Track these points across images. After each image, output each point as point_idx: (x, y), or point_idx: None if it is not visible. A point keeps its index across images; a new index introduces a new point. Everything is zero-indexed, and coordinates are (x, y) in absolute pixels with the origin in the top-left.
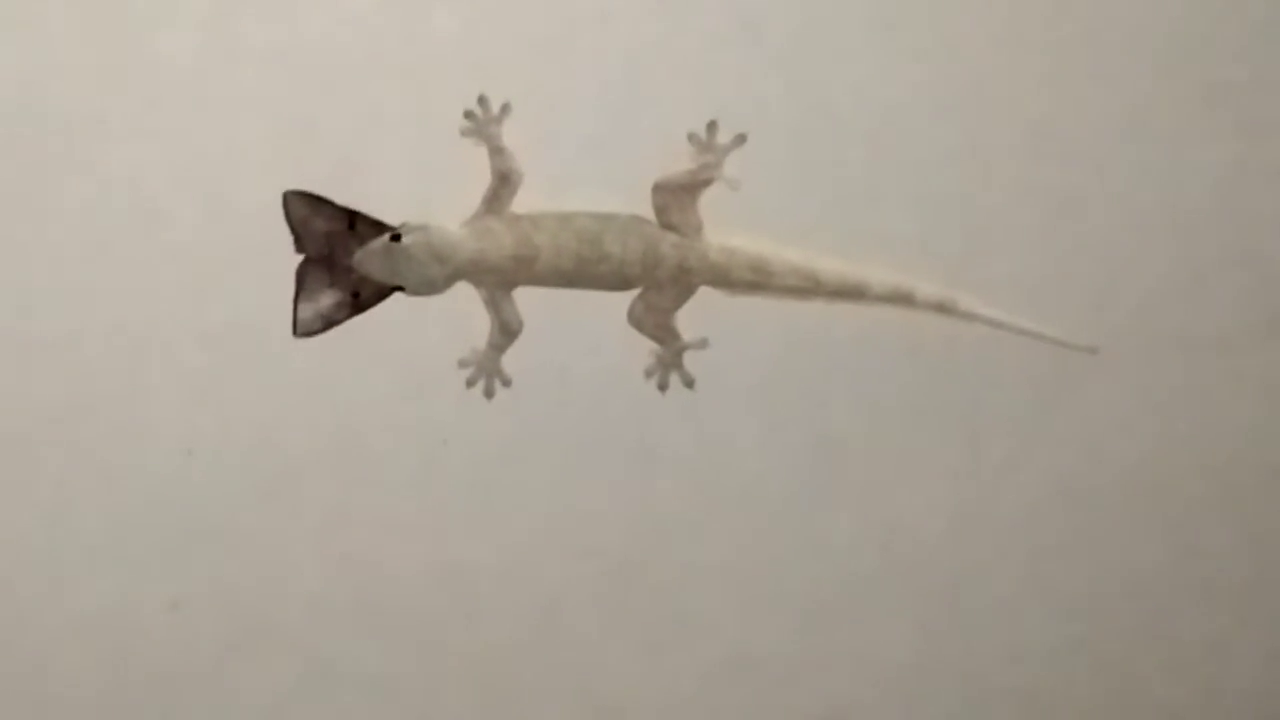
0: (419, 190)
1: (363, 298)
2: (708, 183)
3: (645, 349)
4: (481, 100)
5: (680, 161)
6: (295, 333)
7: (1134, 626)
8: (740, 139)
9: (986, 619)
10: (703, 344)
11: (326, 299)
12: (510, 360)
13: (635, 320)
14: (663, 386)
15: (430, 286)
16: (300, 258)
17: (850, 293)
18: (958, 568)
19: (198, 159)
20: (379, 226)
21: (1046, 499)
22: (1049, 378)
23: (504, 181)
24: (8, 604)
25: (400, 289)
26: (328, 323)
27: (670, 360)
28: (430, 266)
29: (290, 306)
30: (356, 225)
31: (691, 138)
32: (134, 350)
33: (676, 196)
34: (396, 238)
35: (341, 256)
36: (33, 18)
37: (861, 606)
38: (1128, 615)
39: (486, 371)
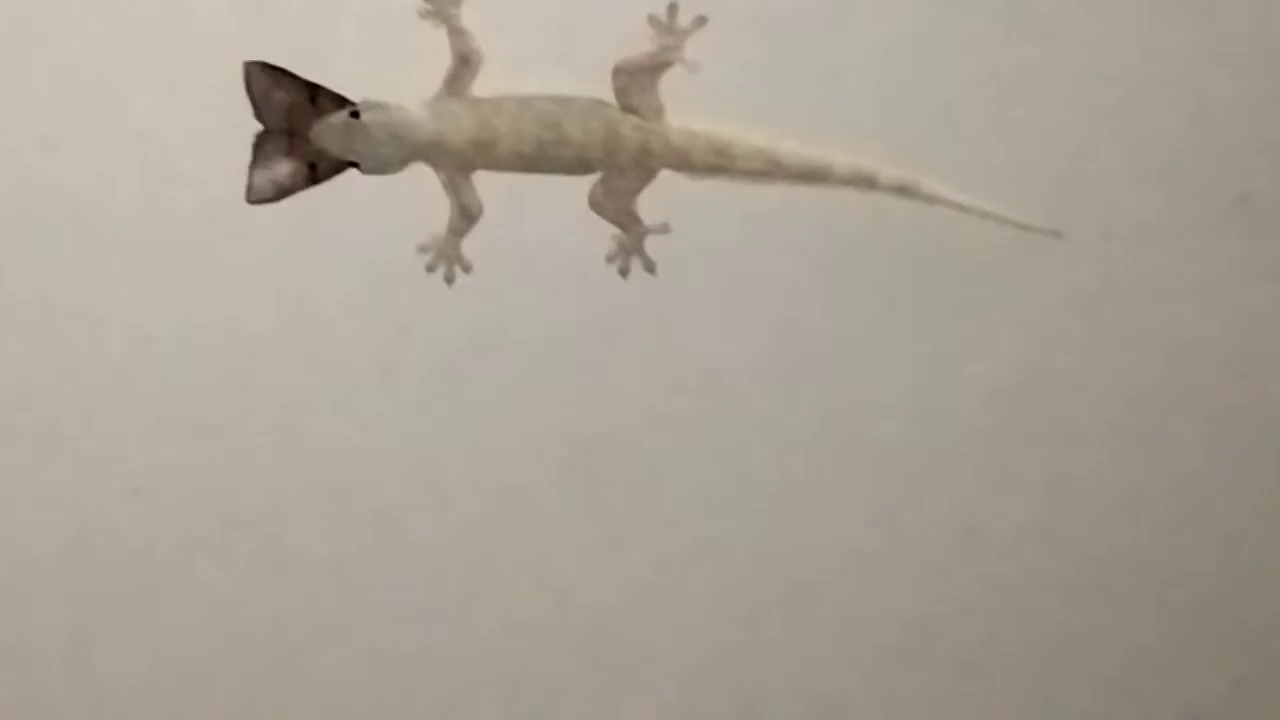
0: (378, 71)
1: (319, 170)
2: (668, 65)
3: (606, 233)
4: None
5: (640, 44)
6: (248, 198)
7: (1094, 512)
8: (700, 21)
9: (948, 503)
10: (664, 228)
11: (282, 168)
12: (470, 245)
13: (596, 204)
14: (624, 271)
15: (386, 165)
16: (259, 129)
17: (812, 175)
18: (921, 451)
19: (151, 38)
20: (341, 101)
21: (1010, 383)
22: (1013, 261)
23: (464, 63)
24: None
25: (355, 165)
26: (281, 191)
27: (631, 245)
28: (387, 145)
29: (244, 192)
30: (318, 99)
31: (651, 20)
32: (91, 236)
33: (637, 79)
34: (356, 114)
35: (300, 129)
36: None
37: (824, 491)
38: (1088, 501)
39: (446, 257)
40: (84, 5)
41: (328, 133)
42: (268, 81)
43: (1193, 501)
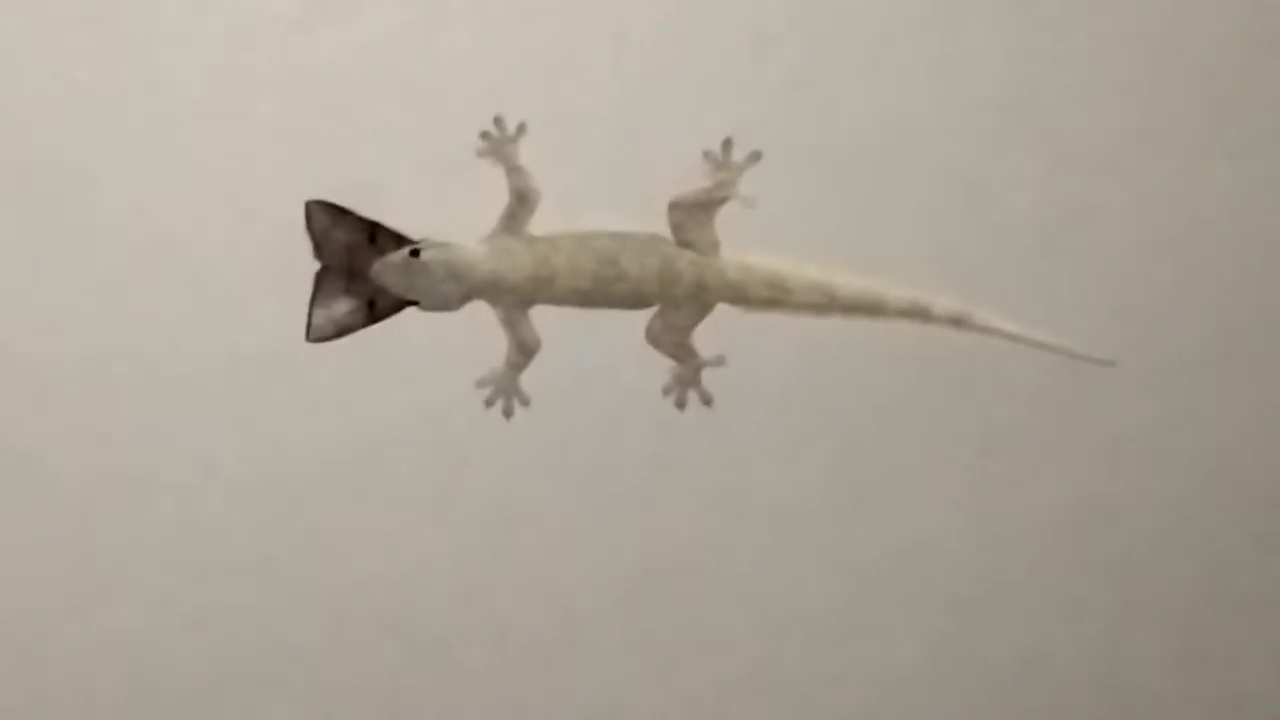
0: (437, 210)
1: (378, 308)
2: (723, 200)
3: (663, 367)
4: (497, 120)
5: (696, 179)
6: (308, 337)
7: (1150, 641)
8: (755, 156)
9: (1004, 633)
10: (720, 361)
11: (341, 306)
12: (528, 379)
13: (653, 338)
14: (681, 404)
15: (445, 303)
16: (319, 267)
17: (867, 308)
18: (975, 581)
19: (217, 182)
20: (400, 240)
21: (1064, 513)
22: (1067, 391)
23: (521, 201)
24: (35, 623)
25: (415, 303)
26: (341, 329)
27: (688, 378)
28: (446, 283)
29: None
30: (377, 238)
31: (707, 155)
32: (156, 372)
33: (692, 214)
34: (416, 253)
35: (360, 266)
36: (52, 45)
37: (879, 621)
38: (1144, 629)
39: (505, 391)
40: (146, 147)
41: (388, 271)
42: (328, 220)
43: (1250, 627)
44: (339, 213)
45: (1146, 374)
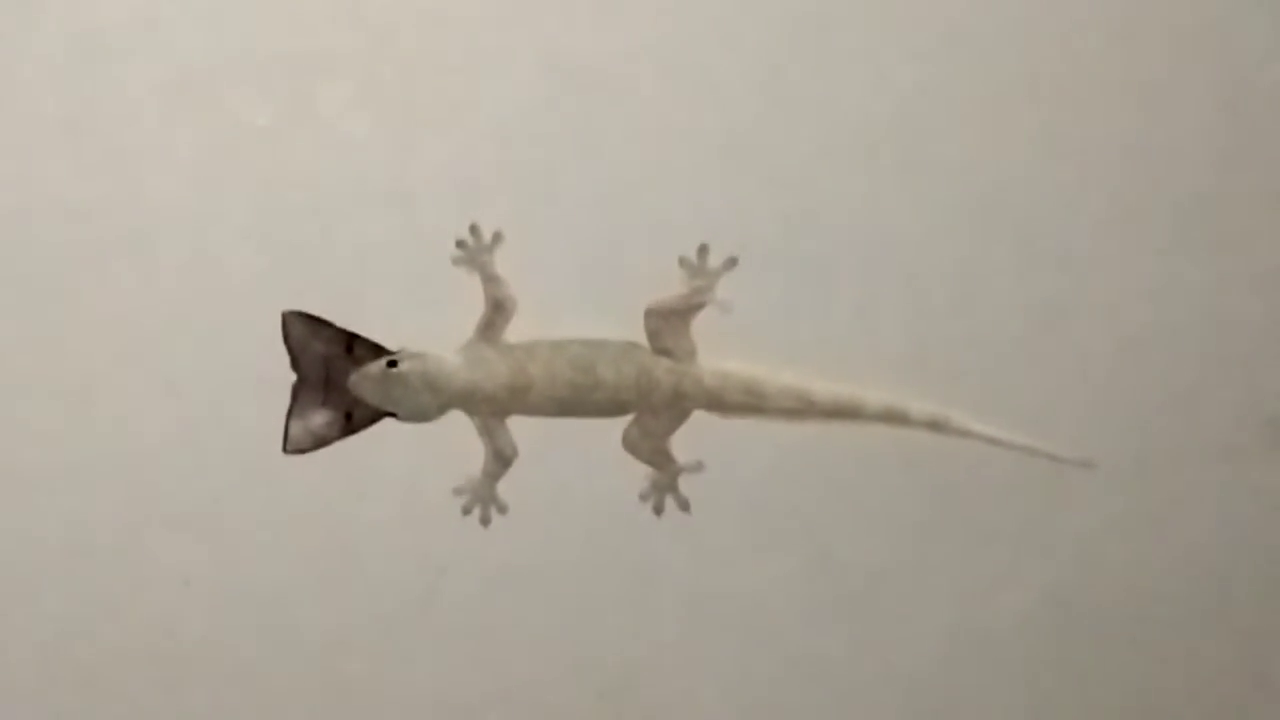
0: (412, 318)
1: (355, 419)
2: (700, 306)
3: (640, 473)
4: (473, 229)
5: (672, 286)
6: (285, 449)
7: None
8: (731, 262)
9: None
10: (697, 467)
11: (319, 418)
12: (505, 487)
13: (630, 445)
14: (658, 510)
15: (423, 414)
16: (295, 378)
17: (844, 413)
18: (955, 685)
19: (192, 292)
20: (377, 350)
21: (1044, 615)
22: (1045, 493)
23: (498, 309)
24: None
25: (393, 415)
26: (318, 441)
27: (665, 483)
28: (424, 395)
29: (281, 438)
30: (354, 348)
31: (683, 262)
32: (131, 483)
33: (669, 321)
34: (393, 364)
35: (337, 378)
36: (27, 157)
37: None
38: None
39: (482, 499)
40: (120, 257)
41: (365, 383)
42: (305, 331)
43: None
44: (316, 324)
45: (1126, 473)
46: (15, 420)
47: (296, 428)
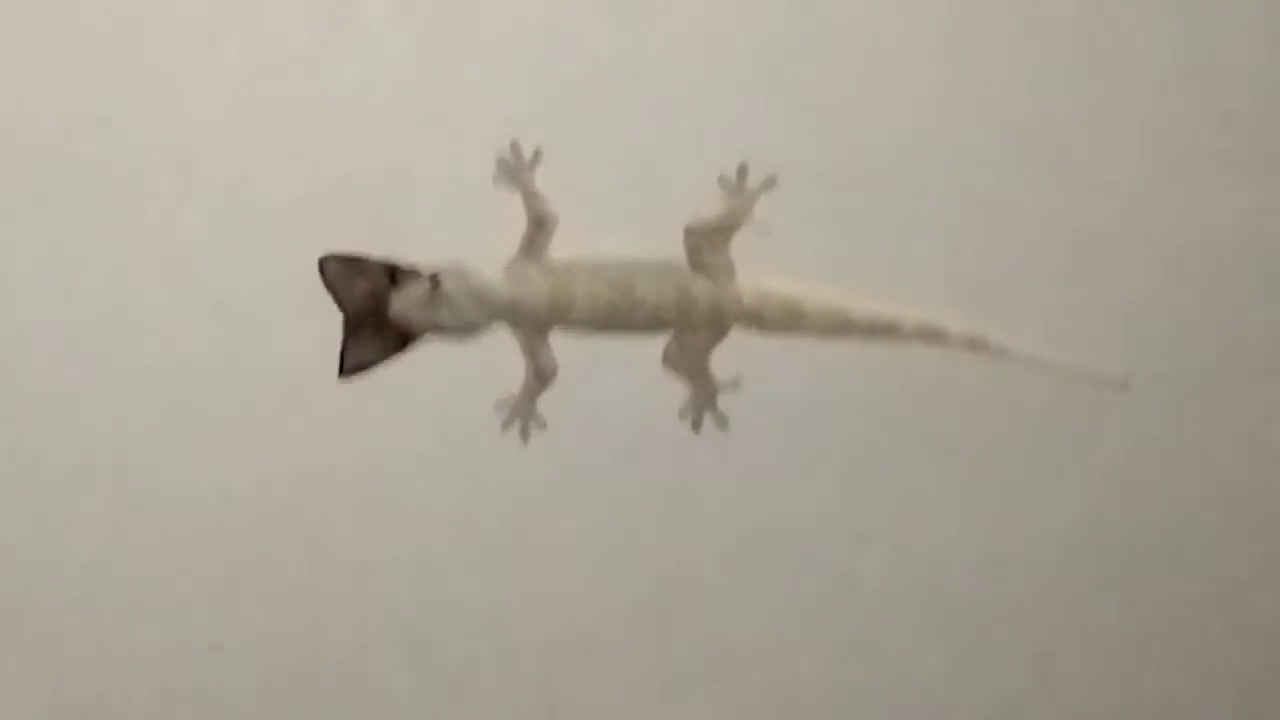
0: (455, 238)
1: (405, 340)
2: (739, 226)
3: (679, 390)
4: (513, 147)
5: (711, 205)
6: (340, 374)
7: (1169, 661)
8: (770, 182)
9: (1021, 654)
10: (736, 384)
11: (369, 342)
12: (545, 403)
13: (669, 362)
14: (696, 427)
15: (466, 330)
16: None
17: (882, 331)
18: (991, 603)
19: (237, 212)
20: (419, 275)
21: (1078, 534)
22: (1081, 412)
23: (540, 226)
24: (53, 651)
25: (437, 331)
26: (371, 365)
27: (704, 401)
28: (468, 311)
29: (324, 356)
30: (397, 276)
31: (722, 181)
32: (176, 401)
33: (708, 240)
34: (436, 282)
35: (384, 304)
36: (74, 78)
37: (894, 641)
38: (1162, 650)
39: (522, 415)
40: (165, 177)
41: (410, 305)
42: (344, 270)
43: (1263, 646)
44: (355, 262)
45: (1160, 394)
46: (58, 336)
47: (351, 359)
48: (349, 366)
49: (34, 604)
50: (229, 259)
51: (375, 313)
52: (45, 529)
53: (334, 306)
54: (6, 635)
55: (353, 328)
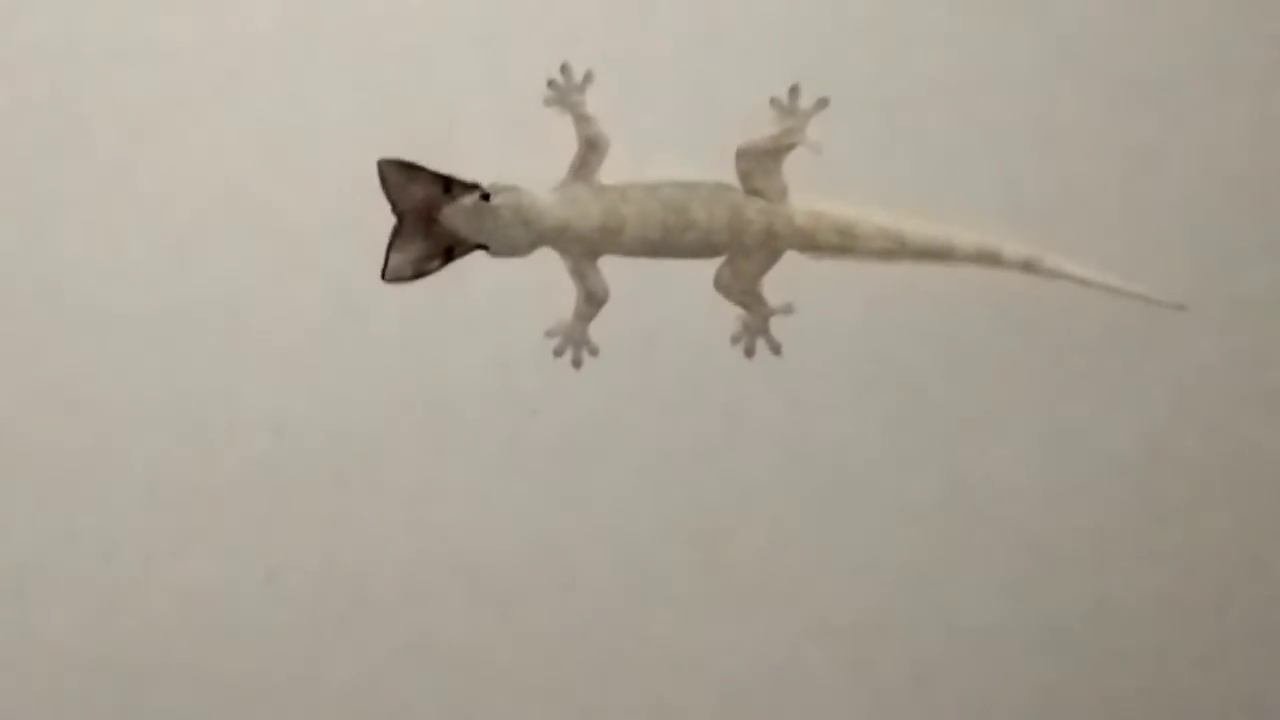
0: (506, 159)
1: (453, 253)
2: (791, 147)
3: (731, 315)
4: (564, 69)
5: (763, 127)
6: (385, 277)
7: (1223, 583)
8: (822, 103)
9: (1074, 578)
10: (789, 309)
11: (418, 250)
12: (597, 329)
13: (721, 286)
14: (749, 352)
15: (514, 248)
16: (396, 218)
17: (936, 253)
18: (1045, 528)
19: (282, 132)
20: (474, 189)
21: (1135, 457)
22: (1137, 335)
23: (591, 148)
24: (106, 581)
25: (485, 248)
26: (417, 271)
27: (757, 326)
28: (516, 228)
29: (375, 284)
30: (452, 188)
31: (774, 102)
32: (224, 327)
33: (760, 162)
34: (486, 197)
35: (436, 215)
36: (115, 3)
37: (949, 567)
38: (1217, 572)
39: (574, 341)
40: (214, 98)
41: (458, 214)
42: (401, 176)
43: None
44: (412, 169)
45: (1217, 316)
46: (111, 264)
47: (396, 259)
48: (393, 268)
49: (87, 536)
50: (280, 181)
51: (427, 220)
52: (96, 460)
53: (386, 233)
54: (61, 565)
55: (402, 231)
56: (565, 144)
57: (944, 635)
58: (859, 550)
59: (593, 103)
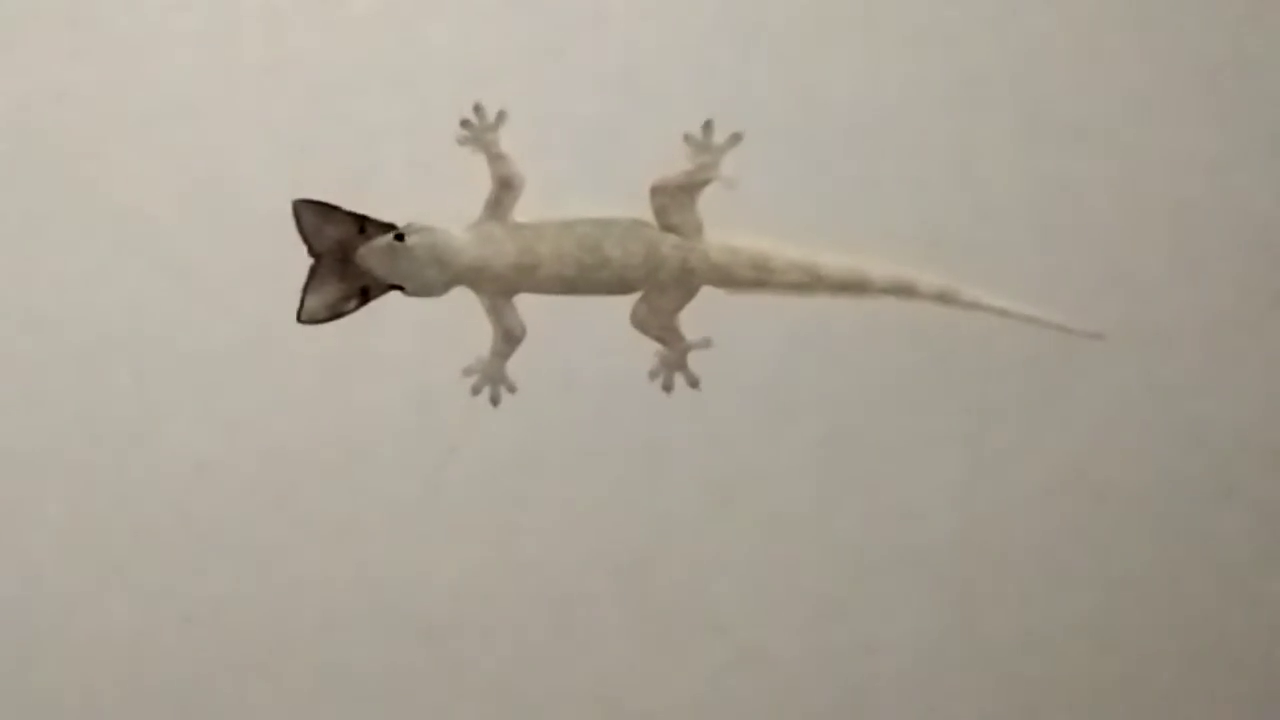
0: (420, 199)
1: (368, 294)
2: (706, 182)
3: (649, 350)
4: (477, 108)
5: (677, 162)
6: (300, 318)
7: (1142, 613)
8: (736, 138)
9: (996, 609)
10: (706, 343)
11: (333, 292)
12: (515, 366)
13: (638, 322)
14: (667, 387)
15: (430, 288)
16: (311, 260)
17: (852, 286)
18: (966, 558)
19: (198, 175)
20: (389, 229)
21: (1054, 487)
22: (1055, 365)
23: (505, 187)
24: (23, 622)
25: (400, 288)
26: (333, 313)
27: (674, 361)
28: (431, 268)
29: (292, 324)
30: (366, 229)
31: (688, 138)
32: (143, 367)
33: (675, 197)
34: (400, 237)
35: (352, 255)
36: (36, 45)
37: (873, 599)
38: (1135, 602)
39: (491, 379)
40: (130, 143)
41: (374, 255)
42: (316, 217)
43: (1242, 596)
44: (327, 209)
45: (1135, 346)
46: (20, 310)
47: (312, 300)
48: (309, 309)
49: (2, 579)
50: (196, 225)
51: (341, 260)
52: (13, 503)
53: (302, 276)
54: None
55: (318, 272)
56: (480, 183)
57: (868, 666)
58: (782, 582)
59: (506, 141)
